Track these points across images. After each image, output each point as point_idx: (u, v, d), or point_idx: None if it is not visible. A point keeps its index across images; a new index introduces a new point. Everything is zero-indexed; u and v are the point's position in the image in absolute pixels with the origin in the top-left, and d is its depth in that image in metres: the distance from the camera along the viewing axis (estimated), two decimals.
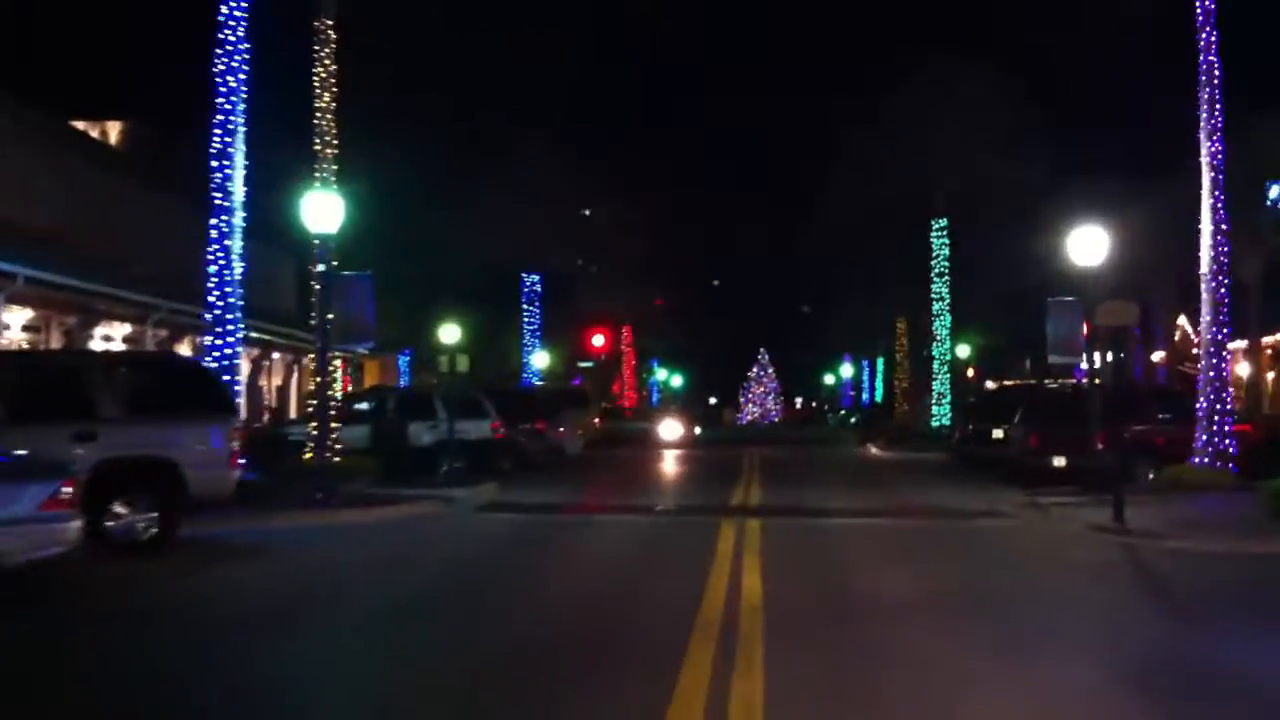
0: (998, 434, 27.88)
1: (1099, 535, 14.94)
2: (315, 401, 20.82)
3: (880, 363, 77.33)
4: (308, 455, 20.58)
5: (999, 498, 20.23)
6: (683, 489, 23.64)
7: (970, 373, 56.54)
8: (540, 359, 57.66)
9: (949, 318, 41.40)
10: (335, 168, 20.70)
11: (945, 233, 41.43)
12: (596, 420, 39.35)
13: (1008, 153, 38.39)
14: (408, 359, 52.71)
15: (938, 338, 41.44)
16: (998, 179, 39.07)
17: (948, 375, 41.69)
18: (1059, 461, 22.72)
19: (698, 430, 51.35)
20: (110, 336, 25.64)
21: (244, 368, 36.21)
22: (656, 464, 31.14)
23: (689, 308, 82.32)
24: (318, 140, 20.56)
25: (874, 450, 40.10)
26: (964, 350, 54.68)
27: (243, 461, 13.92)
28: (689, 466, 31.09)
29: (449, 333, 42.82)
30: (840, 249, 66.36)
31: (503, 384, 39.22)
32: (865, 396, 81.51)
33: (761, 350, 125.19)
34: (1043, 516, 17.25)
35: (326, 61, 20.58)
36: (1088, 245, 19.55)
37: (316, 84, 20.49)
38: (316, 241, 17.42)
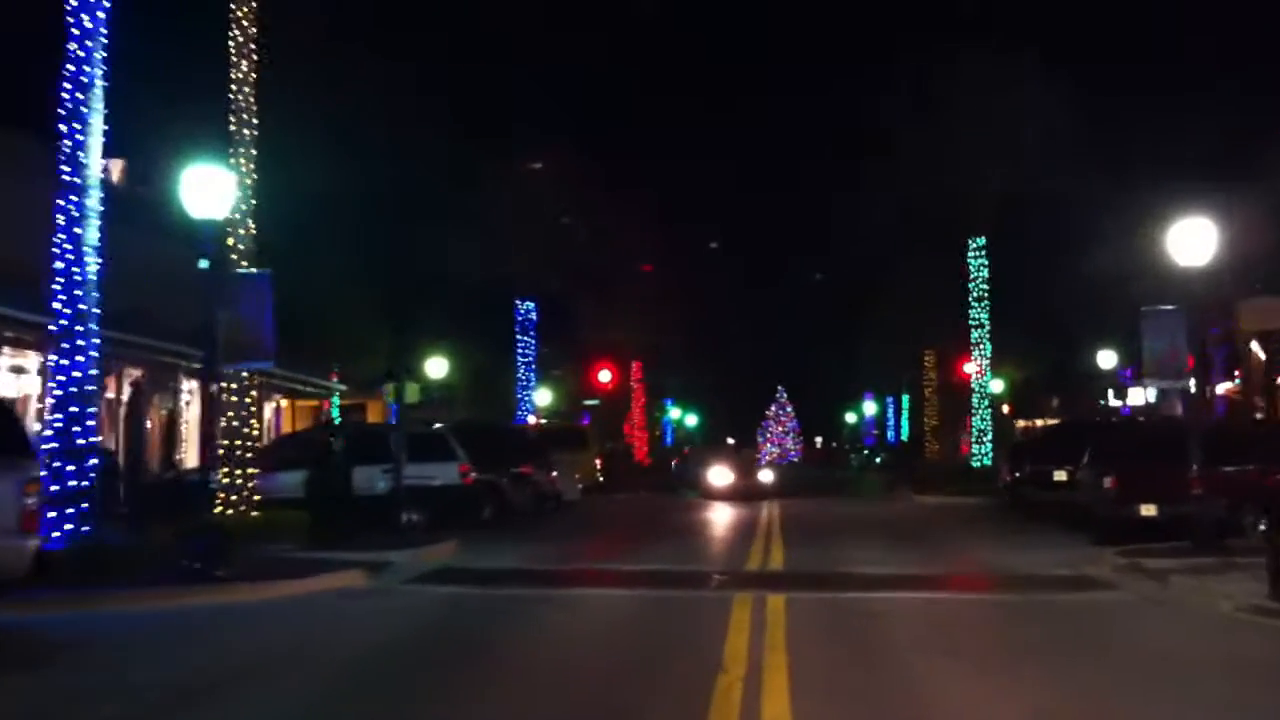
0: (1060, 476, 23.86)
1: (1263, 621, 10.71)
2: (227, 442, 16.86)
3: (906, 399, 73.14)
4: (219, 508, 16.58)
5: (1082, 557, 16.08)
6: (688, 547, 19.36)
7: (1005, 409, 52.27)
8: (542, 396, 53.71)
9: (989, 347, 37.12)
10: (255, 153, 16.84)
11: (983, 252, 37.25)
12: (598, 462, 35.19)
13: (1053, 161, 34.38)
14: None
15: (978, 369, 37.17)
16: (1041, 192, 35.03)
17: (988, 410, 37.37)
18: (1148, 510, 18.57)
19: (766, 477, 35.56)
20: (22, 368, 21.84)
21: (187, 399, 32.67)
22: (661, 514, 26.83)
23: (704, 344, 78.33)
24: (233, 118, 16.69)
25: (908, 493, 35.81)
26: (998, 385, 50.54)
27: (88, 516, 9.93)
28: (698, 515, 26.85)
29: (436, 366, 39.02)
30: (864, 278, 62.61)
31: (494, 423, 35.14)
32: (890, 435, 77.17)
33: (780, 389, 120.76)
34: (1159, 587, 12.95)
35: (245, 22, 16.74)
36: (1192, 240, 15.62)
37: (232, 48, 16.65)
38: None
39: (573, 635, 10.62)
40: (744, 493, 31.87)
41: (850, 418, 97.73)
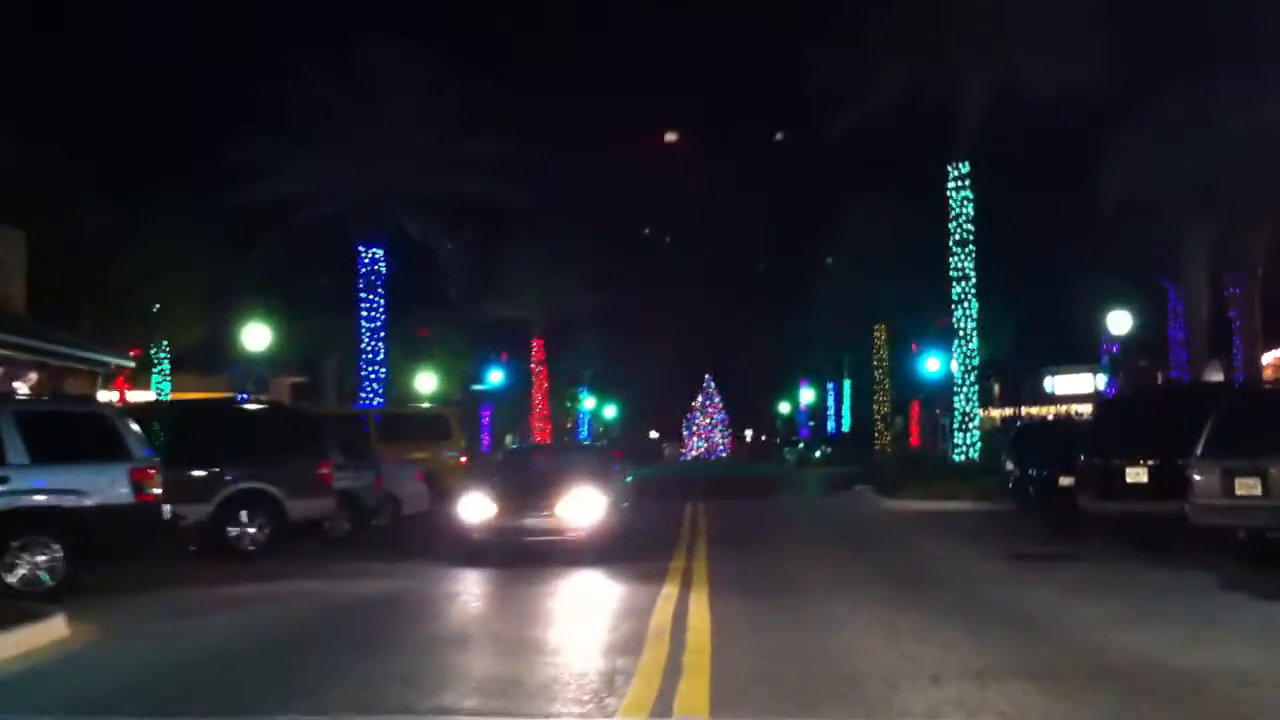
0: (1135, 475, 15.55)
1: None
2: None
3: (848, 384, 65.10)
4: None
5: None
6: (525, 627, 10.28)
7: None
8: (426, 381, 44.53)
9: (976, 304, 28.58)
10: None
11: (966, 182, 28.69)
12: (463, 460, 26.04)
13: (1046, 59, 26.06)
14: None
15: (962, 333, 28.63)
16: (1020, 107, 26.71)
17: (975, 388, 28.86)
18: None
19: (587, 510, 14.60)
20: None
21: None
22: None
23: (622, 326, 69.65)
24: None
25: (870, 496, 27.27)
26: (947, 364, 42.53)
27: None
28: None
29: (255, 337, 29.73)
30: (805, 241, 54.49)
31: (285, 404, 26.33)
32: (831, 425, 68.93)
33: (707, 377, 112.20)
34: None
35: None
36: None
37: None
38: None
39: None
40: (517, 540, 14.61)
41: (784, 407, 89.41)
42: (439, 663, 8.26)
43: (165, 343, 35.63)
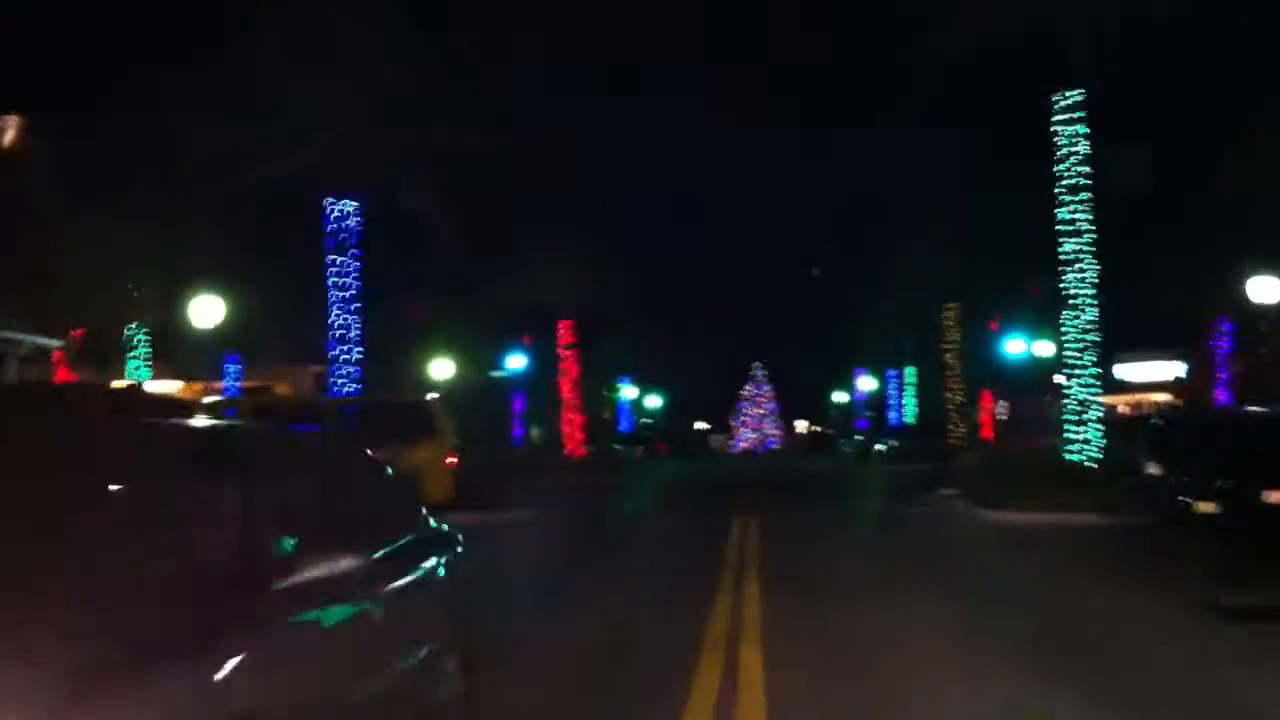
0: None
1: None
2: None
3: (911, 371, 59.61)
4: None
5: None
6: None
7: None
8: (443, 367, 39.67)
9: (1094, 266, 22.85)
10: None
11: (1078, 115, 23.03)
12: (450, 460, 20.78)
13: None
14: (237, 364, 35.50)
15: (1074, 300, 22.91)
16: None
17: (1093, 370, 23.14)
18: None
19: None
20: None
21: None
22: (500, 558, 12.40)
23: (665, 308, 64.64)
24: None
25: (959, 504, 21.91)
26: (1046, 348, 36.88)
27: None
28: (576, 569, 12.46)
29: (204, 311, 25.06)
30: (867, 212, 49.18)
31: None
32: (894, 416, 63.28)
33: (755, 365, 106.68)
34: None
35: None
36: None
37: None
38: None
39: None
40: None
41: (840, 396, 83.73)
42: None
43: (137, 324, 30.97)
